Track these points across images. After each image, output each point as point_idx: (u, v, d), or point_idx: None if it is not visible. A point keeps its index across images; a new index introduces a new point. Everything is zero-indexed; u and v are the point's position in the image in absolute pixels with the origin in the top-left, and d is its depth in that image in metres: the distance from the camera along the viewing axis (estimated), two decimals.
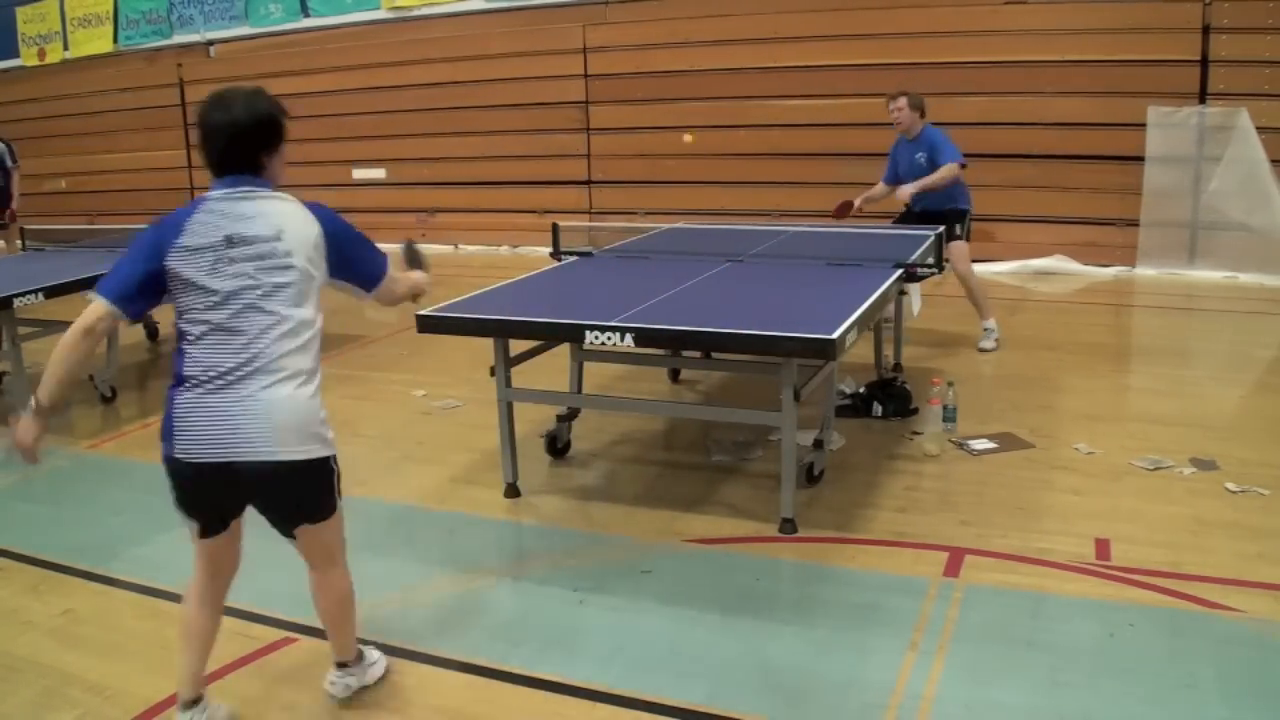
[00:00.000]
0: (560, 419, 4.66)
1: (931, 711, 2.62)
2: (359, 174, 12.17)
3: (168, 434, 2.30)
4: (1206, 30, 8.50)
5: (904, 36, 9.40)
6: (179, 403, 2.28)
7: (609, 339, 3.58)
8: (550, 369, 4.51)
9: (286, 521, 2.48)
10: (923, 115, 6.12)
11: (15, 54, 14.44)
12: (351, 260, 2.52)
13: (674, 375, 5.81)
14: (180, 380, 2.29)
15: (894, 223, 6.38)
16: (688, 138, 8.71)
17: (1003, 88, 9.11)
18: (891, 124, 6.20)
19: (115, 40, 13.63)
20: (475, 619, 3.21)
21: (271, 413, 2.27)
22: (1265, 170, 8.18)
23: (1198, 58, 8.55)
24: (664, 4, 10.64)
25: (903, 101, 6.10)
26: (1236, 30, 8.42)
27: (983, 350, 6.25)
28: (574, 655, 2.96)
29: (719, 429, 4.82)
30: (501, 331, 3.93)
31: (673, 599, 3.27)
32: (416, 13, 11.79)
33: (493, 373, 4.03)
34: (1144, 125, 8.62)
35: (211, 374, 2.26)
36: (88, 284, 5.31)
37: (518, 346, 4.11)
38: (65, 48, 14.03)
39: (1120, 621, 3.02)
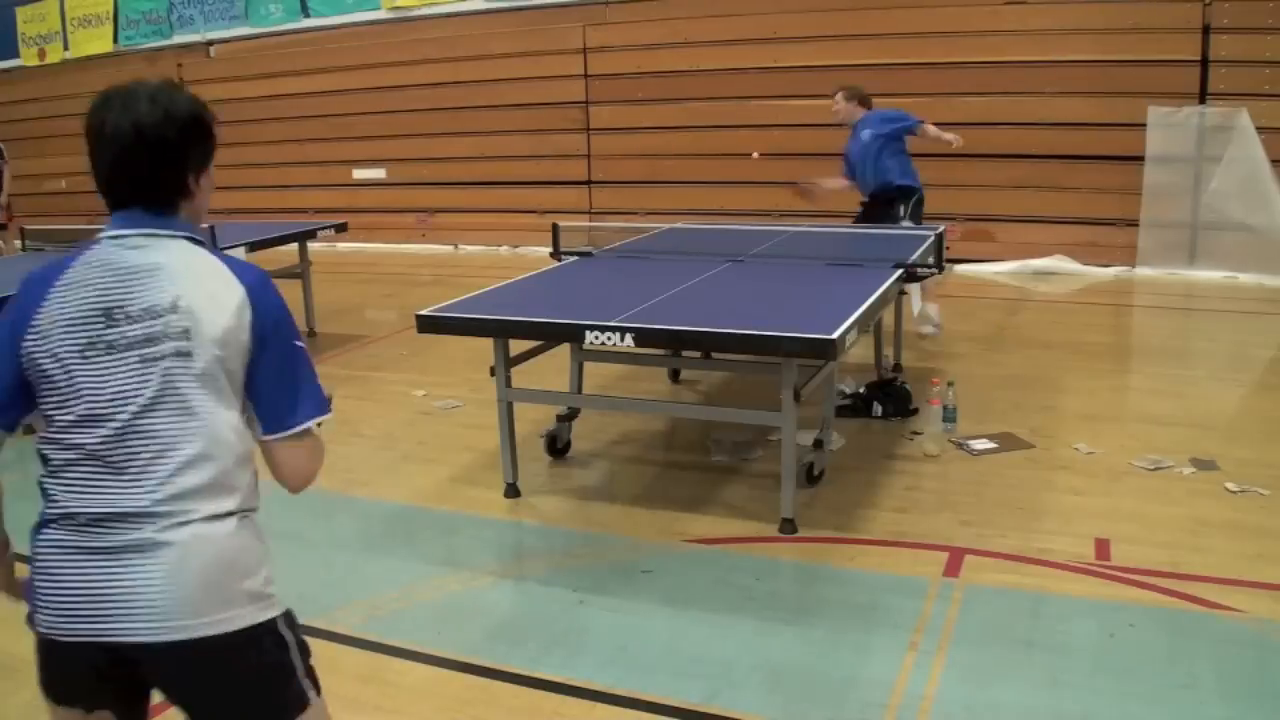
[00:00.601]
0: (560, 419, 4.66)
1: (931, 711, 2.62)
2: (359, 174, 12.16)
3: (30, 591, 1.57)
4: (1206, 30, 8.51)
5: (904, 36, 9.41)
6: (39, 548, 1.54)
7: (609, 339, 3.59)
8: (550, 369, 4.52)
9: None
10: (863, 104, 6.26)
11: (15, 54, 14.43)
12: (269, 371, 1.57)
13: (674, 375, 5.81)
14: (42, 521, 1.55)
15: (855, 221, 6.39)
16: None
17: (1003, 88, 9.12)
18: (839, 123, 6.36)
19: (115, 40, 13.61)
20: (475, 619, 3.21)
21: (170, 565, 1.47)
22: (1265, 170, 8.18)
23: (1198, 58, 8.55)
24: (664, 4, 10.65)
25: (839, 95, 6.33)
26: (1236, 30, 8.43)
27: (923, 335, 6.24)
28: (574, 655, 2.96)
29: (719, 429, 4.82)
30: (501, 331, 3.93)
31: (673, 599, 3.27)
32: (416, 13, 11.79)
33: (493, 373, 4.03)
34: (1144, 125, 8.62)
35: (81, 519, 1.50)
36: None
37: (518, 346, 4.11)
38: (65, 48, 14.01)
39: (1120, 621, 3.02)
